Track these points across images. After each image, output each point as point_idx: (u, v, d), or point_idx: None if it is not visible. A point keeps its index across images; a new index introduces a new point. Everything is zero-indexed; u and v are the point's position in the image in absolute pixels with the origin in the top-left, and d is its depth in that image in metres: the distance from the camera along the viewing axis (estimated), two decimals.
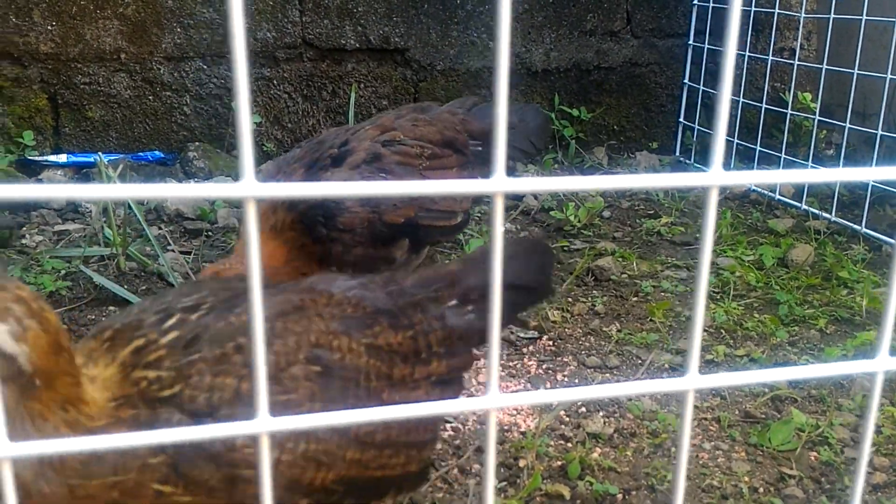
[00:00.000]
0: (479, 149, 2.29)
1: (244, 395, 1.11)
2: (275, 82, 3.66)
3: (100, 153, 3.25)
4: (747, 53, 3.73)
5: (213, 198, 0.54)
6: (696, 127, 3.99)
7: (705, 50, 3.94)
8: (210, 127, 3.61)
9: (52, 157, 3.39)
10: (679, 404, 2.03)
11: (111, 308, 2.41)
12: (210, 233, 3.08)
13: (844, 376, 2.14)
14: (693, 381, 0.63)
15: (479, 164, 2.28)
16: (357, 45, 3.70)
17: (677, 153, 4.08)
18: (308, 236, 1.96)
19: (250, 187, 0.50)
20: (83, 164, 3.40)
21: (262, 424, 0.56)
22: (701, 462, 1.84)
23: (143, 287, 2.58)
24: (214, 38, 3.54)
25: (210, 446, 1.08)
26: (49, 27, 3.34)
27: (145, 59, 3.47)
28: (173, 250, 2.82)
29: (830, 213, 3.24)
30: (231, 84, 3.59)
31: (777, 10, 3.60)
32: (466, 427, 1.96)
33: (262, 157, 3.65)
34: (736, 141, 3.73)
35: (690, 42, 4.00)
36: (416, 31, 3.75)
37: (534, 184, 0.58)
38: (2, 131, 3.40)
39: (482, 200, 2.59)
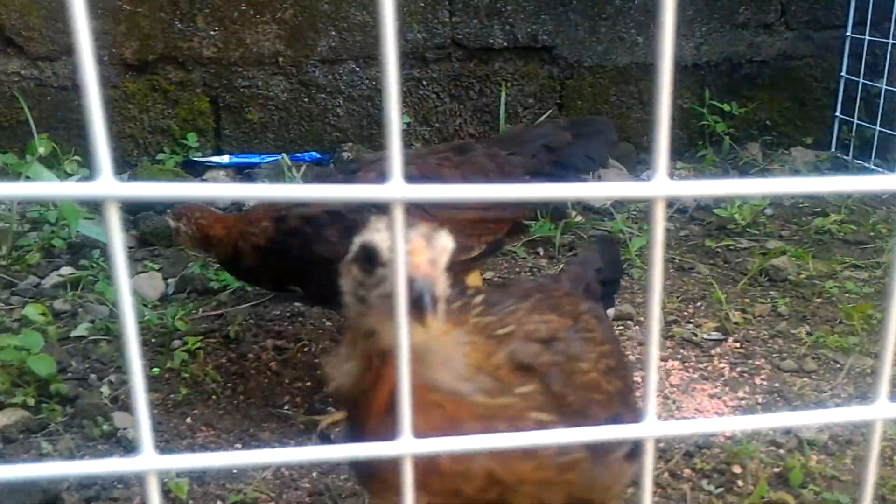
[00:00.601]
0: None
1: (570, 328, 1.31)
2: (424, 83, 3.68)
3: (284, 154, 3.38)
4: None
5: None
6: (855, 121, 3.82)
7: (865, 42, 3.77)
8: (361, 127, 3.66)
9: (215, 158, 3.49)
10: None
11: (296, 304, 2.46)
12: None
13: None
14: None
15: None
16: (505, 44, 3.69)
17: (833, 148, 3.92)
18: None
19: None
20: (244, 165, 3.49)
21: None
22: None
23: None
24: (367, 40, 3.58)
25: (574, 367, 1.24)
26: (212, 32, 3.45)
27: (301, 63, 3.55)
28: None
29: None
30: (381, 85, 3.63)
31: None
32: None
33: None
34: None
35: (849, 34, 3.83)
36: (564, 28, 3.71)
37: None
38: (167, 133, 3.53)
39: (519, 230, 2.30)
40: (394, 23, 0.50)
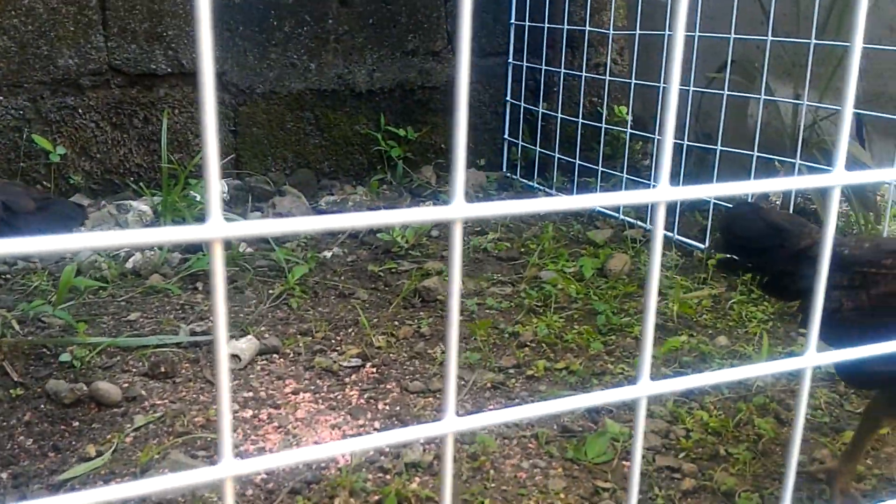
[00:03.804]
0: None
1: None
2: (80, 111, 3.44)
3: None
4: (562, 70, 3.84)
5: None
6: (521, 143, 4.06)
7: (524, 68, 4.02)
8: (9, 161, 3.35)
9: None
10: (502, 426, 2.02)
11: None
12: (8, 275, 2.85)
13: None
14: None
15: None
16: (168, 70, 3.54)
17: (504, 169, 4.14)
18: None
19: None
20: None
21: None
22: (519, 482, 1.83)
23: None
24: (10, 68, 3.29)
25: None
26: None
27: None
28: None
29: (646, 222, 3.37)
30: (30, 115, 3.34)
31: (588, 28, 3.72)
32: (280, 468, 1.87)
33: (68, 189, 3.42)
34: (556, 155, 3.82)
35: (510, 60, 4.07)
36: (232, 53, 3.63)
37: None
38: None
39: None
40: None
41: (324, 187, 3.86)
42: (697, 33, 3.15)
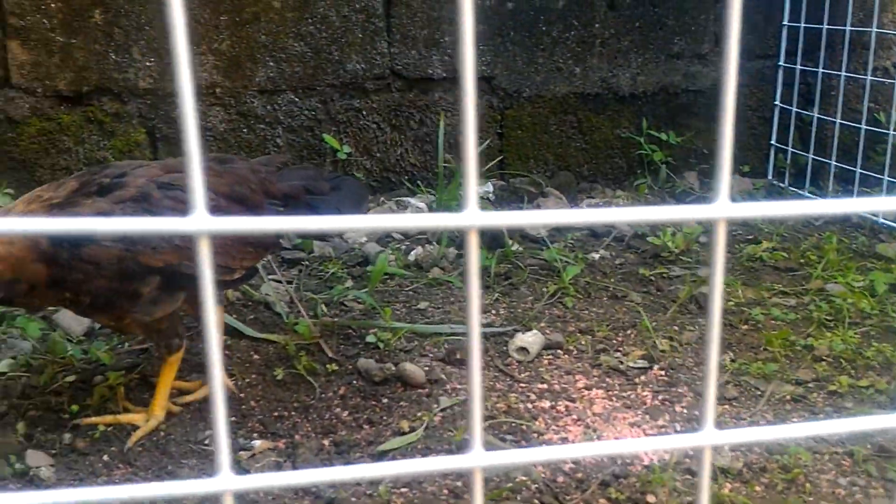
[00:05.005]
0: (281, 208, 2.18)
1: None
2: (364, 113, 3.69)
3: None
4: (843, 73, 3.64)
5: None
6: (790, 149, 3.90)
7: (797, 71, 3.86)
8: (302, 158, 3.66)
9: None
10: (810, 439, 1.96)
11: (224, 337, 2.44)
12: (307, 262, 3.11)
13: None
14: None
15: None
16: (444, 75, 3.71)
17: (770, 176, 3.99)
18: (47, 256, 1.82)
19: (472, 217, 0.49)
20: None
21: None
22: (838, 498, 1.77)
23: (251, 316, 2.61)
24: (305, 71, 3.59)
25: None
26: (147, 63, 3.44)
27: (240, 93, 3.54)
28: (275, 279, 2.85)
29: None
30: (321, 116, 3.63)
31: (875, 29, 3.51)
32: (586, 458, 1.92)
33: None
34: (833, 163, 3.63)
35: (781, 63, 3.92)
36: (502, 58, 3.75)
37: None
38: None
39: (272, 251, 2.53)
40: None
41: (582, 190, 3.90)
42: None
